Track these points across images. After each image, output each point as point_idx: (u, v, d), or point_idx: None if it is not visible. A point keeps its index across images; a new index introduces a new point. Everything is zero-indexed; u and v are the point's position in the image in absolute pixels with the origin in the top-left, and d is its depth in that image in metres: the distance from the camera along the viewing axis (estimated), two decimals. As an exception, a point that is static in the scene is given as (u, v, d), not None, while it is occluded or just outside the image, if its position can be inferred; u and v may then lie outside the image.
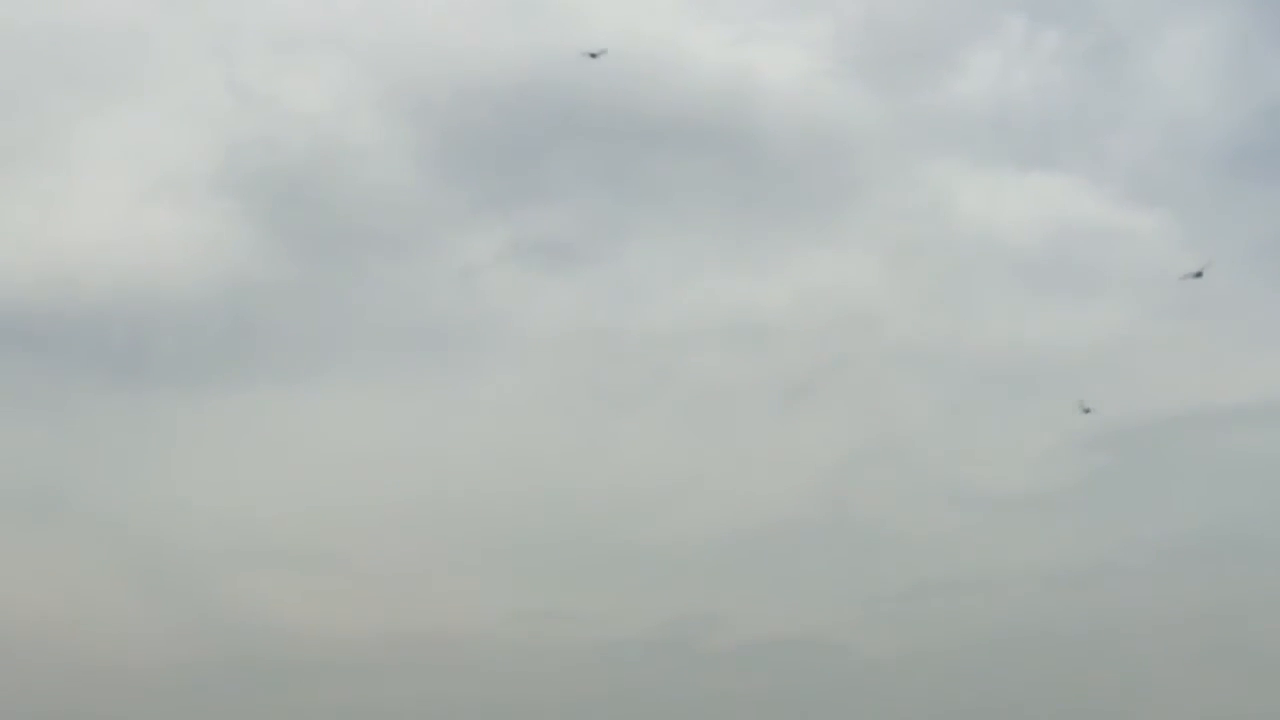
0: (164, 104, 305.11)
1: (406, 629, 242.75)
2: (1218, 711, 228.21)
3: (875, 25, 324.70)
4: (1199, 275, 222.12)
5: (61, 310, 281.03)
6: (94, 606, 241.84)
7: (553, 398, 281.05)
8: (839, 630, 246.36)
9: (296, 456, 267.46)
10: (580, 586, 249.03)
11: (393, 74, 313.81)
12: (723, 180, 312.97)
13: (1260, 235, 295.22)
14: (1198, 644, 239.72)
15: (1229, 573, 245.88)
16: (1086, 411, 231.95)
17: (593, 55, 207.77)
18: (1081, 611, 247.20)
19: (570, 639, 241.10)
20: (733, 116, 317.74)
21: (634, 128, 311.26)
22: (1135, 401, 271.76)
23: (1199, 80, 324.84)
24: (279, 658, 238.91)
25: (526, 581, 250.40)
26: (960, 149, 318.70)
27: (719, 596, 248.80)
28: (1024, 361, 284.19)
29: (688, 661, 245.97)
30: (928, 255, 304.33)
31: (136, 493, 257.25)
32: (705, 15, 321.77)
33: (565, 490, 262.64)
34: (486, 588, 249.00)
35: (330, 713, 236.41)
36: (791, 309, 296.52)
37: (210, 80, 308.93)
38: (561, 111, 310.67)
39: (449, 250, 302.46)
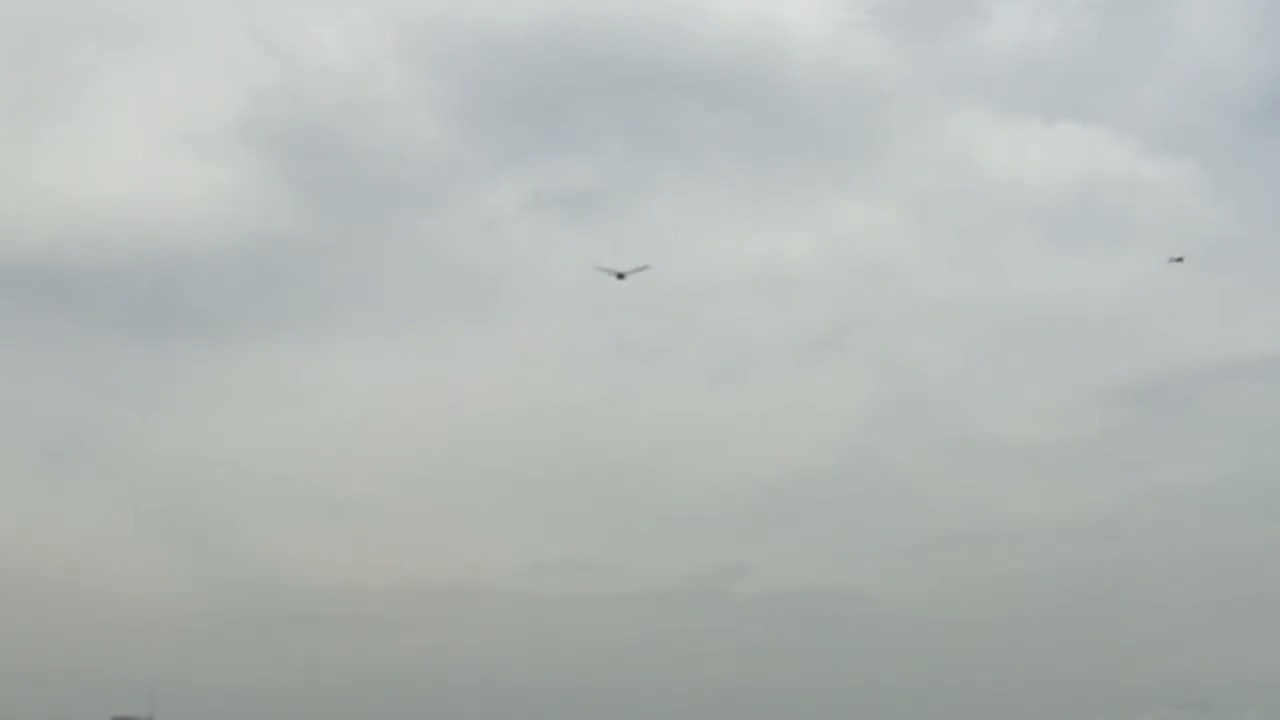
0: (187, 55, 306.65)
1: (431, 578, 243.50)
2: (1237, 658, 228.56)
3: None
4: (1179, 260, 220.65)
5: (86, 262, 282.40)
6: (119, 554, 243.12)
7: (576, 349, 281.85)
8: (863, 580, 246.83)
9: (320, 407, 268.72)
10: (606, 538, 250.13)
11: (416, 25, 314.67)
12: (746, 132, 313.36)
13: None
14: (1218, 593, 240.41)
15: (1249, 523, 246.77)
16: (1178, 260, 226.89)
17: (620, 276, 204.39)
18: (1102, 562, 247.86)
19: (596, 589, 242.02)
20: (756, 68, 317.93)
21: (657, 79, 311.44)
22: (1159, 353, 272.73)
23: (1228, 29, 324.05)
24: (302, 607, 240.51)
25: (553, 532, 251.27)
26: (986, 99, 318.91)
27: (745, 548, 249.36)
28: (1048, 314, 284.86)
29: (715, 612, 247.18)
30: (953, 207, 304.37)
31: (161, 442, 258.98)
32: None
33: (590, 441, 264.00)
34: (513, 539, 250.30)
35: (356, 659, 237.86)
36: (815, 261, 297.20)
37: (233, 31, 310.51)
38: (585, 64, 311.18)
39: (472, 202, 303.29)
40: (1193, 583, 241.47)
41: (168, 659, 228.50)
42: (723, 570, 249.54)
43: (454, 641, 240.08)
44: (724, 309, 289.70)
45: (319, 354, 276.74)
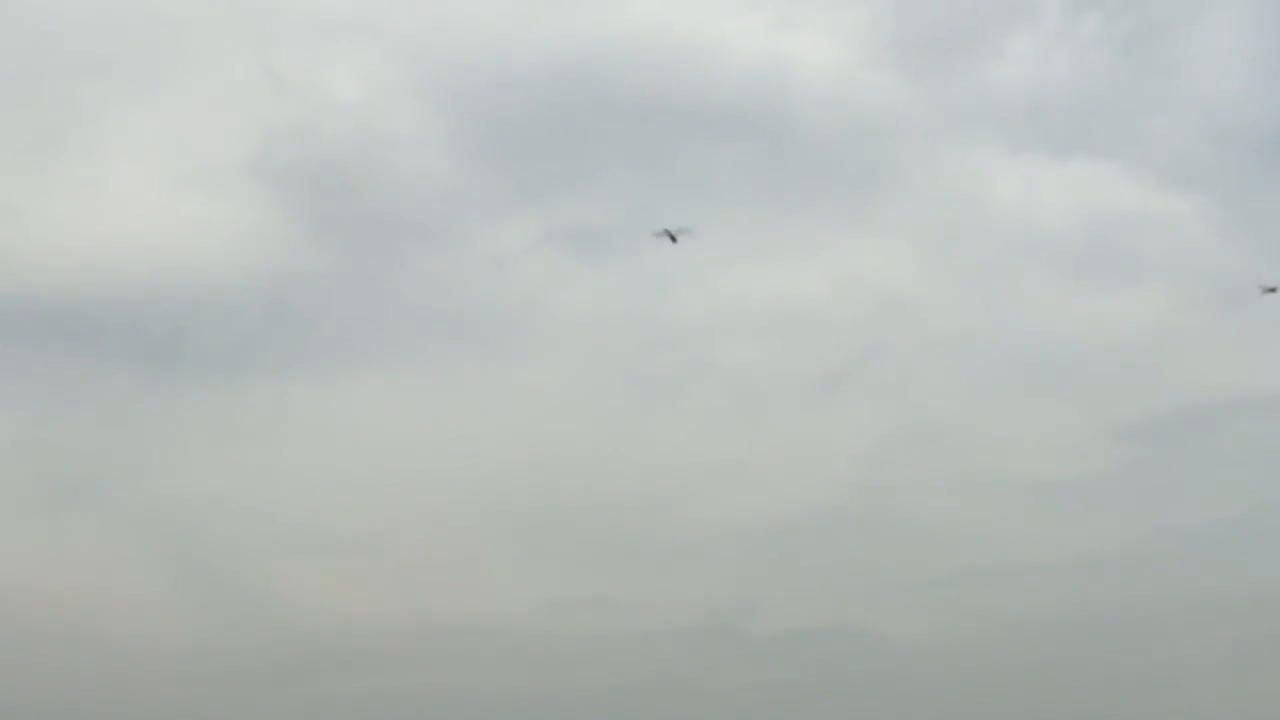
0: (201, 93, 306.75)
1: (445, 616, 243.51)
2: (1254, 696, 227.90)
3: (910, 11, 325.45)
4: (1273, 290, 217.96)
5: (101, 300, 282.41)
6: (129, 593, 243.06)
7: (588, 386, 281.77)
8: (876, 617, 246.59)
9: (333, 444, 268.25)
10: (619, 574, 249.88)
11: (429, 63, 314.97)
12: (758, 168, 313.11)
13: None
14: (1234, 630, 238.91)
15: (1266, 559, 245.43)
16: (1271, 290, 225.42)
17: (673, 239, 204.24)
18: (1117, 598, 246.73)
19: (609, 627, 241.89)
20: (768, 104, 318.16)
21: (669, 115, 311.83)
22: (1173, 389, 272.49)
23: (1238, 64, 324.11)
24: (317, 644, 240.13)
25: (565, 569, 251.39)
26: (997, 135, 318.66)
27: (758, 584, 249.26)
28: (1061, 349, 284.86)
29: (728, 649, 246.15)
30: (964, 243, 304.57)
31: (175, 480, 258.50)
32: (740, 3, 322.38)
33: (603, 479, 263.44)
34: (525, 576, 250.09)
35: (369, 699, 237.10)
36: (827, 297, 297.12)
37: (247, 69, 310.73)
38: (597, 101, 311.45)
39: (484, 238, 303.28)
40: (1209, 620, 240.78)
41: (178, 698, 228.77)
42: (737, 607, 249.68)
43: (466, 679, 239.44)
44: (736, 345, 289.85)
45: (331, 391, 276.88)
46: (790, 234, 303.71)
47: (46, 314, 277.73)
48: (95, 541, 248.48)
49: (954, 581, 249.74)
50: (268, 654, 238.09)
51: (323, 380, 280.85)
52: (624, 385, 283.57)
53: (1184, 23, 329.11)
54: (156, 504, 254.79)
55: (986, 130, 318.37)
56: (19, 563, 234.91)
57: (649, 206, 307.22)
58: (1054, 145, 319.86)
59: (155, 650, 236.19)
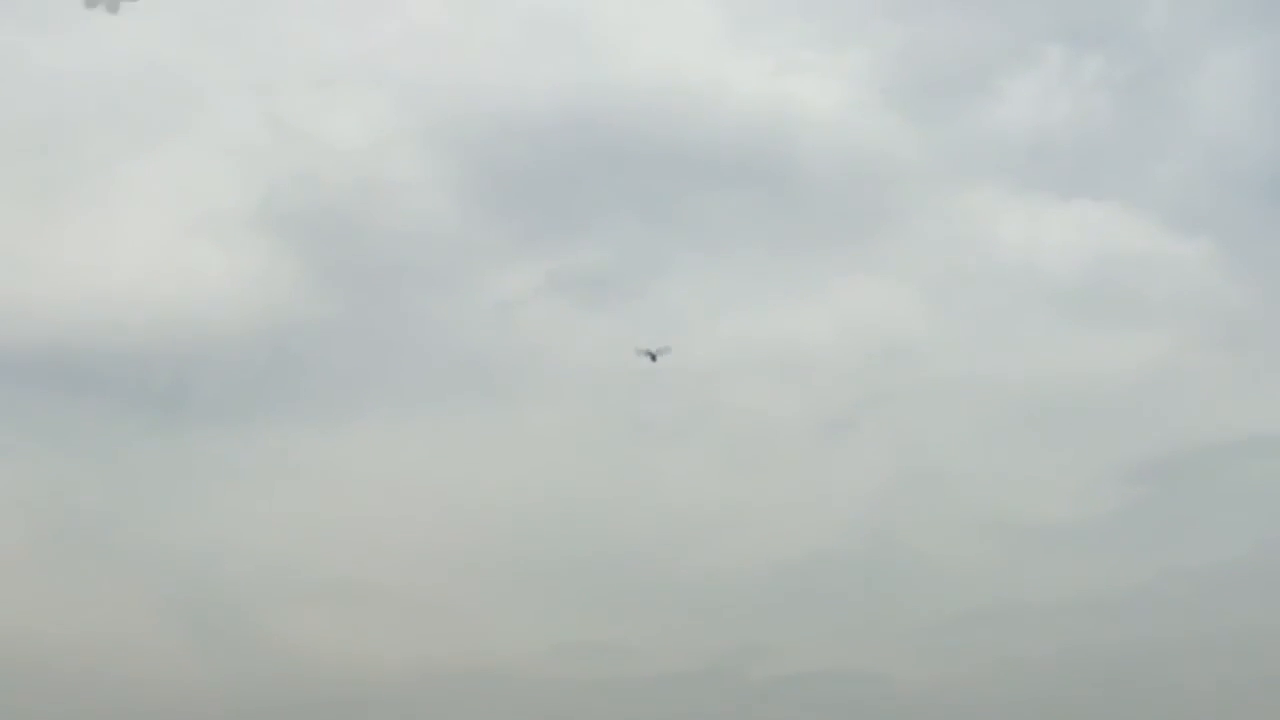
0: (204, 141, 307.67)
1: (450, 662, 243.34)
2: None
3: (913, 55, 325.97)
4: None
5: (105, 348, 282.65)
6: (139, 642, 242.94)
7: (593, 431, 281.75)
8: (880, 660, 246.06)
9: (338, 490, 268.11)
10: (624, 619, 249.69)
11: (431, 109, 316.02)
12: (761, 212, 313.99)
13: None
14: (1239, 673, 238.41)
15: (1271, 602, 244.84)
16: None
17: (653, 358, 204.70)
18: (1122, 641, 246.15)
19: (615, 671, 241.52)
20: (771, 148, 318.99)
21: (672, 160, 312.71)
22: (1177, 431, 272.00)
23: (1240, 106, 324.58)
24: (323, 690, 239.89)
25: (571, 614, 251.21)
26: (1000, 178, 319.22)
27: (763, 629, 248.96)
28: (1066, 392, 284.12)
29: (734, 693, 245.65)
30: (968, 285, 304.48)
31: (180, 528, 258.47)
32: (743, 47, 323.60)
33: (608, 524, 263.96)
34: (532, 621, 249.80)
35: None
36: (831, 341, 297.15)
37: (250, 117, 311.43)
38: (600, 146, 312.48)
39: (488, 285, 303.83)
40: (1217, 662, 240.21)
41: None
42: (742, 652, 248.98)
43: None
44: (741, 390, 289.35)
45: (336, 438, 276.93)
46: (794, 277, 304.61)
47: (51, 361, 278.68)
48: (99, 588, 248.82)
49: (959, 624, 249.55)
50: (274, 700, 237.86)
51: (327, 426, 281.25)
52: (628, 430, 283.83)
53: (1186, 64, 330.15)
54: (161, 551, 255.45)
55: (989, 173, 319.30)
56: (22, 609, 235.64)
57: (652, 251, 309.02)
58: (1057, 187, 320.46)
59: (160, 697, 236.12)
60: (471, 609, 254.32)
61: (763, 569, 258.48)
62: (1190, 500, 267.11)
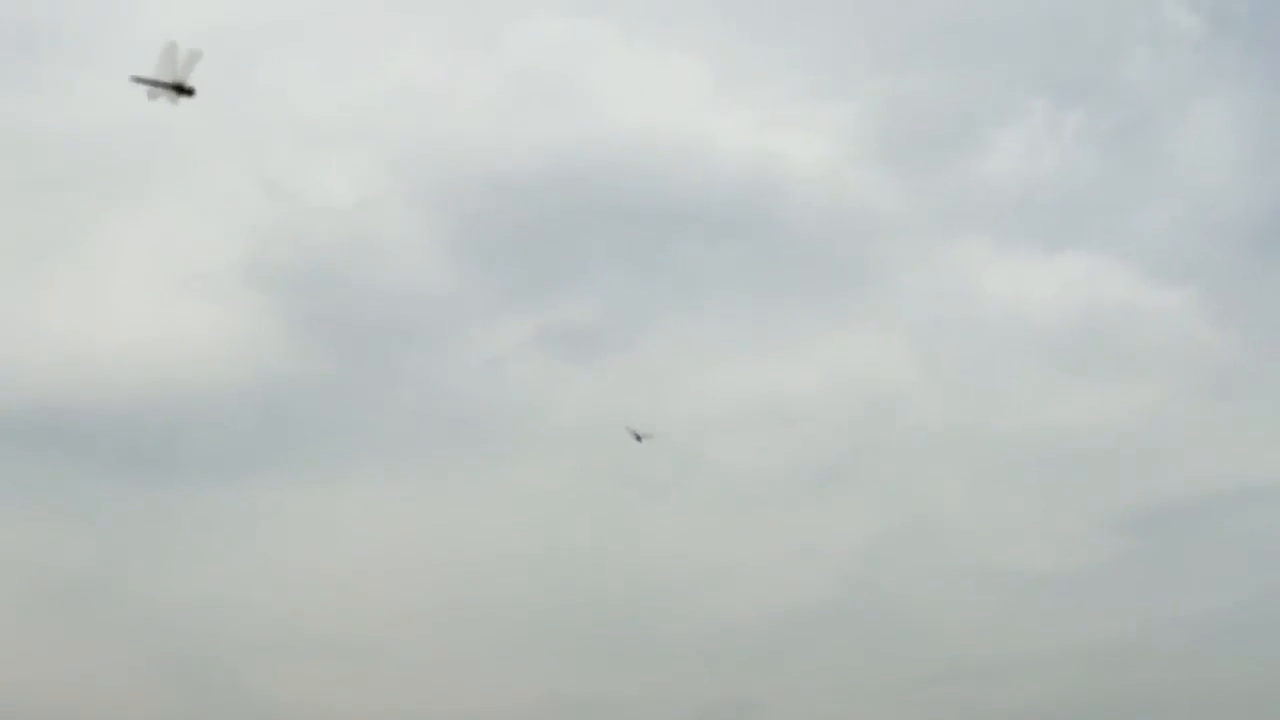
0: (191, 198, 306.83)
1: (441, 715, 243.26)
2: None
3: (898, 109, 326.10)
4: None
5: (90, 406, 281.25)
6: (128, 699, 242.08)
7: (583, 486, 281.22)
8: (871, 713, 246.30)
9: (328, 549, 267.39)
10: (614, 674, 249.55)
11: (420, 166, 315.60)
12: (748, 266, 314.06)
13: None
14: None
15: (1264, 653, 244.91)
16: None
17: (638, 438, 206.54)
18: (1115, 692, 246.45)
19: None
20: (757, 202, 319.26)
21: (659, 214, 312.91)
22: (1166, 481, 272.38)
23: (1226, 156, 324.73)
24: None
25: (560, 668, 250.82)
26: (985, 230, 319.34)
27: (752, 683, 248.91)
28: (1054, 442, 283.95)
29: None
30: (955, 337, 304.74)
31: (170, 589, 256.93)
32: (728, 102, 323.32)
33: (597, 578, 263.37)
34: (521, 676, 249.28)
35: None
36: (818, 394, 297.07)
37: (236, 173, 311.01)
38: (587, 201, 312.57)
39: (477, 340, 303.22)
40: (1208, 712, 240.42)
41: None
42: (733, 705, 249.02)
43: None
44: (729, 443, 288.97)
45: (325, 494, 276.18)
46: (781, 330, 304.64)
47: (37, 420, 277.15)
48: (89, 648, 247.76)
49: (950, 676, 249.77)
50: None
51: (317, 483, 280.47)
52: (616, 484, 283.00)
53: (1169, 115, 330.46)
54: (152, 609, 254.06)
55: (975, 225, 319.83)
56: (12, 669, 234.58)
57: (639, 305, 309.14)
58: (1043, 239, 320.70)
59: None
60: (461, 663, 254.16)
61: (752, 622, 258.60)
62: (1181, 550, 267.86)
